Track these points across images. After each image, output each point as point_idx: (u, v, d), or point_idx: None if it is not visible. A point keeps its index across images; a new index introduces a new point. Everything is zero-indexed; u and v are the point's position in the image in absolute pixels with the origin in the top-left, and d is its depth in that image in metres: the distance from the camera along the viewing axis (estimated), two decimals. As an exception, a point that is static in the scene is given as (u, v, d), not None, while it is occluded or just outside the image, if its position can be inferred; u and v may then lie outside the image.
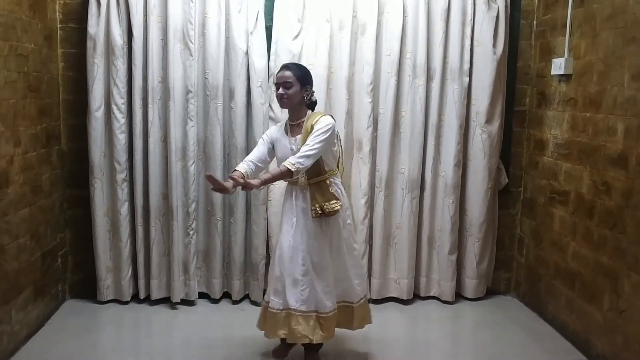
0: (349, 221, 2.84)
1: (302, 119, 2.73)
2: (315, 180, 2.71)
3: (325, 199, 2.69)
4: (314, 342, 2.72)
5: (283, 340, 2.85)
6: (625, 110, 2.80)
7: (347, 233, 2.83)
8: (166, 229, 3.61)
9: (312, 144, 2.59)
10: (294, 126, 2.75)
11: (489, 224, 3.80)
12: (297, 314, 2.70)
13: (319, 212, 2.67)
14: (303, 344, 2.83)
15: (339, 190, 2.78)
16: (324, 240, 2.74)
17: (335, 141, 2.79)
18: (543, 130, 3.63)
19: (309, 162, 2.59)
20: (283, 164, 2.59)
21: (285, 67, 2.76)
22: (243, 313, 3.60)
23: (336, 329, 2.83)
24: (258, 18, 3.50)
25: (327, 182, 2.73)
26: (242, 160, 2.74)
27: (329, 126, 2.63)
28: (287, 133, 2.77)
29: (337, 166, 2.85)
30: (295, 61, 3.47)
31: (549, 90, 3.57)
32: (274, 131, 2.84)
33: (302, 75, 2.72)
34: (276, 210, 3.50)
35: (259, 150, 2.78)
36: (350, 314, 2.87)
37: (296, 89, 2.69)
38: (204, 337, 3.25)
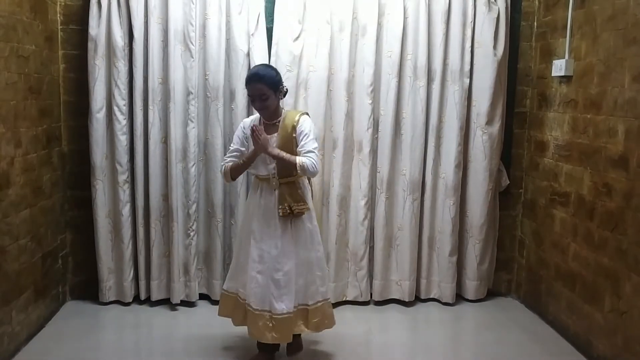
0: (314, 222, 2.83)
1: (279, 119, 2.75)
2: (286, 180, 2.73)
3: (293, 199, 2.70)
4: (265, 342, 2.74)
5: (261, 348, 2.92)
6: (626, 112, 2.79)
7: (311, 234, 2.81)
8: (166, 230, 3.61)
9: (313, 147, 2.67)
10: (269, 125, 2.75)
11: (490, 225, 3.80)
12: (250, 309, 2.74)
13: (288, 211, 2.68)
14: (258, 344, 2.91)
15: (306, 191, 2.81)
16: (287, 241, 2.73)
17: None
18: (544, 131, 3.63)
19: (318, 166, 2.70)
20: (298, 157, 2.65)
21: (255, 77, 2.66)
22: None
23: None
24: (259, 19, 3.50)
25: (297, 183, 2.75)
26: (232, 161, 2.77)
27: (312, 127, 2.74)
28: None
29: None
30: (296, 62, 3.49)
31: (549, 91, 3.57)
32: (248, 126, 2.80)
33: (274, 82, 2.68)
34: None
35: (239, 152, 2.82)
36: (305, 316, 2.79)
37: (272, 97, 2.68)
38: (204, 338, 3.25)
